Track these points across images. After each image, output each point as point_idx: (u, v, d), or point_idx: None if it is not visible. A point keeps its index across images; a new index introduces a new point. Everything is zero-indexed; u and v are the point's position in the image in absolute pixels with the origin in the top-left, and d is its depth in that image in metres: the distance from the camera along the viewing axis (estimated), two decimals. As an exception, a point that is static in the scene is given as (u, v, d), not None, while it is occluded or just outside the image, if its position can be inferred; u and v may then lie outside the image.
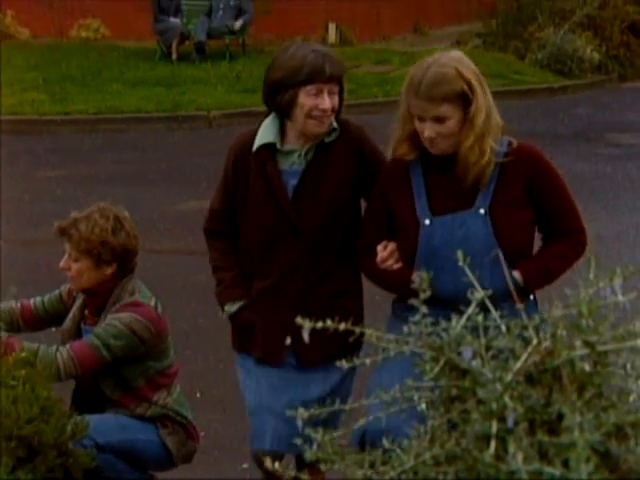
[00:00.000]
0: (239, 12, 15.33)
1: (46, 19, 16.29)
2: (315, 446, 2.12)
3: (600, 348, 1.94)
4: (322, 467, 2.14)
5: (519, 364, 1.93)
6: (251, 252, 3.43)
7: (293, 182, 3.34)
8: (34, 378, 3.05)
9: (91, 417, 3.33)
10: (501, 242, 3.04)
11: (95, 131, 11.92)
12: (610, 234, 7.70)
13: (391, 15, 17.21)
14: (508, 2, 16.85)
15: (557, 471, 1.77)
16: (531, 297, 3.17)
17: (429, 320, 2.07)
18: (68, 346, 3.49)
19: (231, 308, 3.45)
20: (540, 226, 3.21)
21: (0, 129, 11.03)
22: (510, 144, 3.15)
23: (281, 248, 3.36)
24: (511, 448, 1.81)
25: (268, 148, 3.35)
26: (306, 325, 2.16)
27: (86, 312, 3.68)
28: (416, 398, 2.05)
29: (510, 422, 1.86)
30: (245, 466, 4.19)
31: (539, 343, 1.97)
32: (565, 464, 1.79)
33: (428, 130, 3.05)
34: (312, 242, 3.35)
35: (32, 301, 3.76)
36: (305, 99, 3.22)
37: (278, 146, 3.34)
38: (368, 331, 2.09)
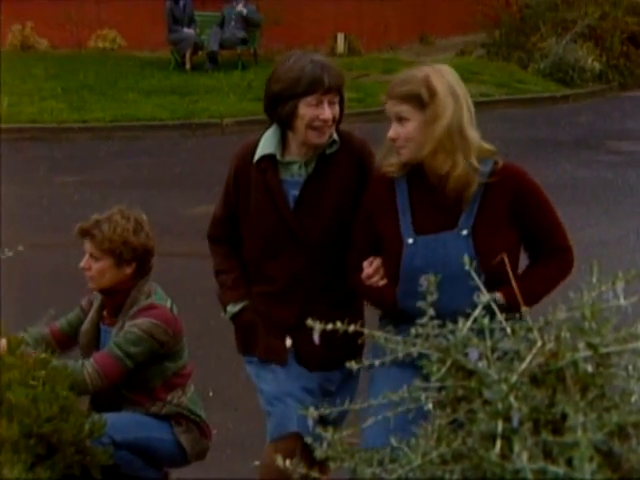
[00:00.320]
0: (247, 23, 15.40)
1: (65, 30, 16.36)
2: (325, 444, 2.11)
3: (603, 350, 1.94)
4: (332, 465, 2.14)
5: (524, 365, 1.93)
6: (253, 262, 3.38)
7: (294, 192, 3.28)
8: (54, 378, 3.05)
9: (108, 415, 3.34)
10: (483, 264, 2.84)
11: (111, 138, 11.96)
12: (611, 238, 7.69)
13: (398, 25, 17.23)
14: (511, 13, 16.86)
15: (561, 470, 1.77)
16: (517, 315, 3.04)
17: (436, 322, 2.07)
18: (92, 360, 3.50)
19: (233, 309, 3.41)
20: (526, 245, 3.10)
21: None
22: (495, 164, 3.02)
23: (283, 258, 3.30)
24: (516, 447, 1.80)
25: (269, 159, 3.28)
26: (317, 327, 2.16)
27: (104, 313, 3.69)
28: (423, 398, 2.04)
29: (515, 422, 1.85)
30: (257, 463, 4.18)
31: (543, 345, 1.97)
32: (569, 463, 1.78)
33: (391, 130, 3.00)
34: (314, 252, 3.28)
35: (58, 323, 3.76)
36: (305, 110, 3.15)
37: (278, 157, 3.27)
38: (377, 333, 2.09)
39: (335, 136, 3.26)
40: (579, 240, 7.73)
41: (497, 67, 15.20)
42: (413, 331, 2.08)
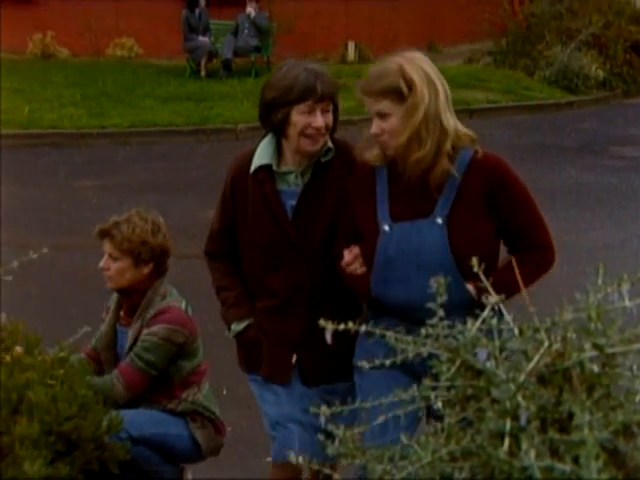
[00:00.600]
0: (259, 31, 15.43)
1: (84, 39, 16.40)
2: (337, 441, 2.10)
3: (608, 350, 1.93)
4: (343, 462, 2.13)
5: (531, 365, 1.92)
6: (254, 275, 3.29)
7: (291, 202, 3.18)
8: (72, 377, 3.06)
9: (126, 412, 3.34)
10: (457, 253, 2.82)
11: (129, 143, 12.00)
12: (615, 242, 7.66)
13: (407, 34, 17.20)
14: (518, 22, 16.86)
15: (568, 467, 1.76)
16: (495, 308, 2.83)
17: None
18: (117, 373, 3.53)
19: (237, 327, 3.31)
20: (505, 240, 2.99)
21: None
22: (476, 152, 2.92)
23: (283, 269, 3.21)
24: (524, 445, 1.80)
25: (266, 169, 3.20)
26: (329, 327, 2.15)
27: (121, 313, 3.70)
28: (433, 397, 2.04)
29: (523, 420, 1.84)
30: (269, 459, 4.18)
31: (550, 345, 1.96)
32: (575, 461, 1.77)
33: (373, 126, 2.92)
34: (314, 261, 3.19)
35: (89, 345, 3.75)
36: (298, 117, 3.08)
37: (274, 167, 3.19)
38: (388, 333, 2.08)
39: (330, 144, 3.18)
40: (584, 243, 7.72)
41: (504, 74, 15.19)
42: (423, 331, 2.08)
